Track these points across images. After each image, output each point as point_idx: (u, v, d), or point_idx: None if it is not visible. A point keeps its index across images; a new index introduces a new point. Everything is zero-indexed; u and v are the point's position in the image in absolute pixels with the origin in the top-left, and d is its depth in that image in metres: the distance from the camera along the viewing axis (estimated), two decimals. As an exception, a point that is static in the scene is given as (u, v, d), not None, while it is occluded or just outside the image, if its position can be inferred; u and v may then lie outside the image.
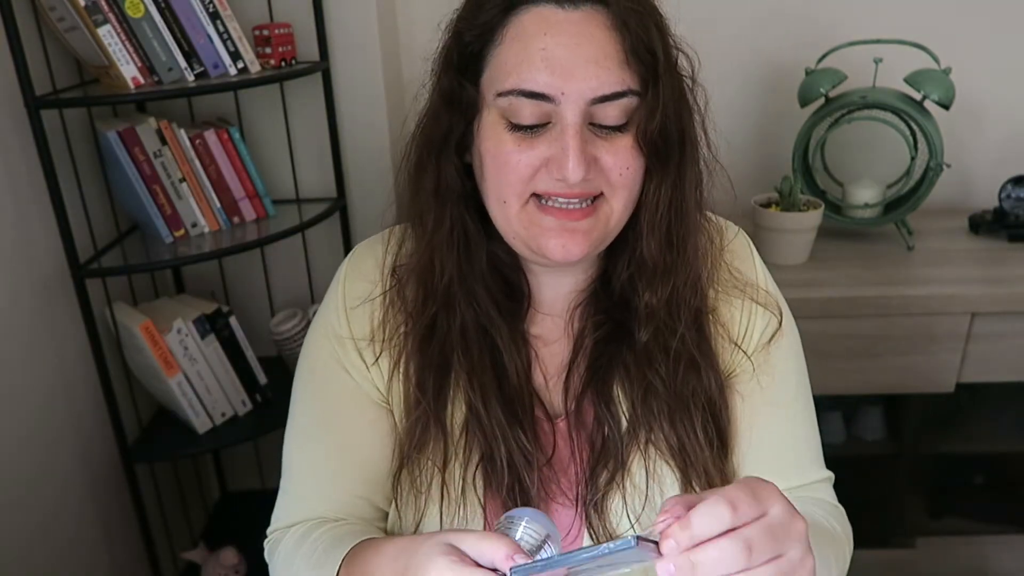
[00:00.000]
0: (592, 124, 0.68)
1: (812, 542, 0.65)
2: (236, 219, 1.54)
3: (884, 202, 1.60)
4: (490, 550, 0.55)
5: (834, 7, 1.69)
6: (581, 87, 0.65)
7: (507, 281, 0.78)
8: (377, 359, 0.77)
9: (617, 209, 0.70)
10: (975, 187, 1.79)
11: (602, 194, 0.70)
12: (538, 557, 0.55)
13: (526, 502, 0.73)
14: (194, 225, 1.48)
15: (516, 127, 0.68)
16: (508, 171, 0.68)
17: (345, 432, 0.79)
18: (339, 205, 1.63)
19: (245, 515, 1.88)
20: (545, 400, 0.78)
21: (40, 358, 1.35)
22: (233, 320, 1.53)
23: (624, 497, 0.74)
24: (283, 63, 1.46)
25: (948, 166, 1.52)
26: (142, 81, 1.31)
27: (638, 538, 0.49)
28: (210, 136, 1.48)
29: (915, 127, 1.54)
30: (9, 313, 1.27)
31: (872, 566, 1.66)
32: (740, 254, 0.82)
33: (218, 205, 1.50)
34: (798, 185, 1.54)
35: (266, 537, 0.83)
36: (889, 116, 1.52)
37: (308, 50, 1.54)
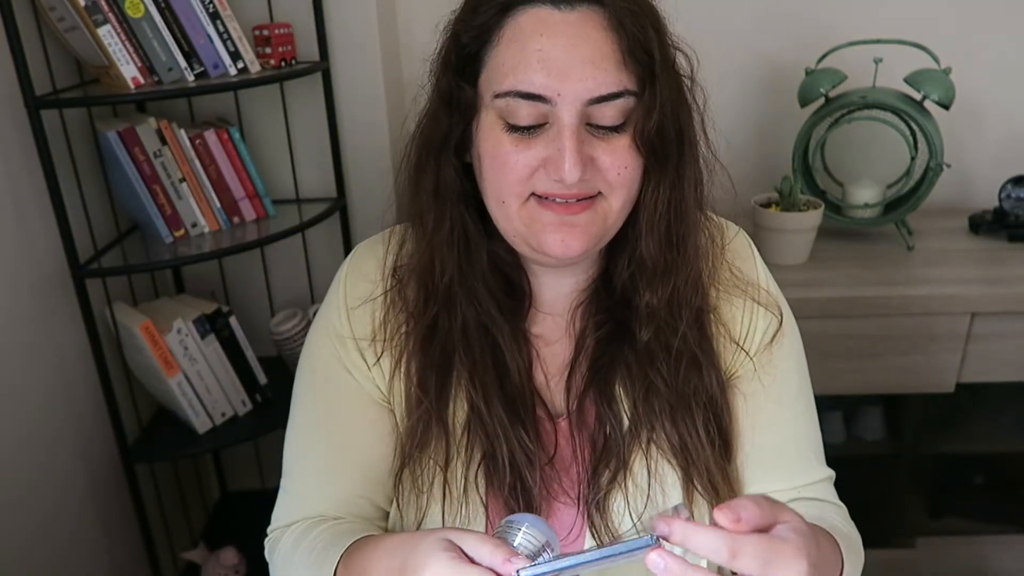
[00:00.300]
0: (589, 124, 0.68)
1: (846, 553, 0.68)
2: (236, 219, 1.54)
3: (884, 202, 1.60)
4: (489, 552, 0.55)
5: (834, 7, 1.69)
6: (577, 88, 0.65)
7: (508, 280, 0.79)
8: (379, 359, 0.78)
9: (615, 207, 0.70)
10: (975, 187, 1.79)
11: (600, 193, 0.70)
12: (537, 562, 0.55)
13: (528, 501, 0.73)
14: (194, 225, 1.48)
15: (514, 128, 0.68)
16: (506, 171, 0.69)
17: (346, 431, 0.79)
18: (339, 205, 1.63)
19: (245, 515, 1.88)
20: (547, 400, 0.78)
21: (40, 358, 1.35)
22: (233, 320, 1.53)
23: (626, 496, 0.74)
24: (283, 63, 1.46)
25: (948, 166, 1.52)
26: (142, 81, 1.31)
27: (656, 538, 0.50)
28: (210, 136, 1.48)
29: (915, 127, 1.54)
30: (9, 313, 1.27)
31: (872, 566, 1.65)
32: (741, 253, 0.82)
33: (218, 205, 1.50)
34: (798, 185, 1.55)
35: (266, 536, 0.83)
36: (889, 116, 1.52)
37: (308, 50, 1.54)
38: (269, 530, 0.83)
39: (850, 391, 1.50)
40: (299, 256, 1.73)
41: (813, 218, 1.53)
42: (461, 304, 0.75)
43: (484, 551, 0.56)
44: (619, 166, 0.69)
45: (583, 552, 0.53)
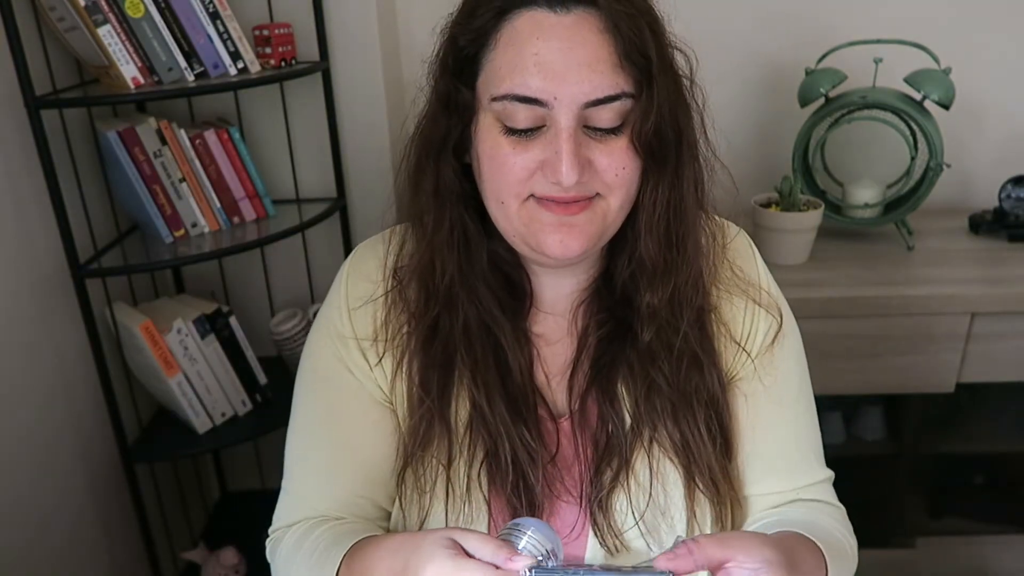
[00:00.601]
0: (587, 127, 0.68)
1: (831, 560, 0.68)
2: (236, 219, 1.54)
3: (884, 202, 1.60)
4: (492, 552, 0.55)
5: (834, 7, 1.69)
6: (574, 91, 0.65)
7: (509, 279, 0.79)
8: (380, 359, 0.78)
9: (614, 206, 0.70)
10: (975, 187, 1.79)
11: (598, 193, 0.70)
12: (547, 566, 0.56)
13: (531, 500, 0.74)
14: (194, 225, 1.48)
15: (511, 131, 0.68)
16: (505, 173, 0.69)
17: (348, 431, 0.79)
18: (339, 205, 1.63)
19: (245, 515, 1.88)
20: (548, 399, 0.78)
21: (40, 358, 1.35)
22: (233, 320, 1.53)
23: (628, 495, 0.75)
24: (283, 63, 1.46)
25: (948, 166, 1.52)
26: (142, 81, 1.31)
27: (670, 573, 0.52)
28: (210, 136, 1.48)
29: (915, 127, 1.54)
30: (9, 313, 1.27)
31: (872, 566, 1.65)
32: (742, 253, 0.82)
33: (218, 205, 1.50)
34: (798, 185, 1.55)
35: (267, 536, 0.83)
36: (889, 116, 1.52)
37: (308, 50, 1.54)
38: (271, 531, 0.83)
39: (850, 391, 1.50)
40: (299, 256, 1.73)
41: (813, 218, 1.53)
42: (462, 303, 0.75)
43: (487, 551, 0.56)
44: (617, 167, 0.69)
45: (592, 568, 0.53)
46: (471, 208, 0.75)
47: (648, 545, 0.74)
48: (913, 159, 1.56)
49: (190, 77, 1.36)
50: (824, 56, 1.57)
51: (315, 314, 0.84)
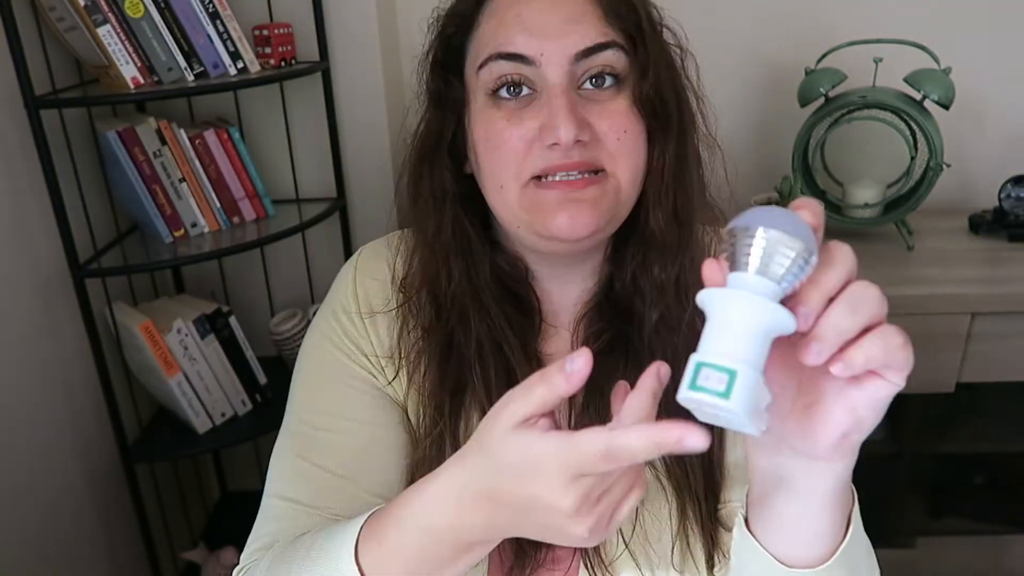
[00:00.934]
0: (581, 89, 0.66)
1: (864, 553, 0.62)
2: (236, 219, 1.54)
3: (884, 202, 1.59)
4: (548, 390, 0.48)
5: (834, 7, 1.69)
6: (560, 45, 0.65)
7: (515, 295, 0.76)
8: (397, 373, 0.75)
9: (624, 180, 0.67)
10: (975, 187, 1.79)
11: (604, 169, 0.67)
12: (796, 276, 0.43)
13: None
14: (194, 225, 1.48)
15: (501, 98, 0.67)
16: (502, 149, 0.67)
17: (352, 444, 0.74)
18: (339, 205, 1.63)
19: (245, 515, 1.86)
20: (555, 419, 0.77)
21: (40, 358, 1.35)
22: (233, 320, 1.53)
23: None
24: (283, 63, 1.46)
25: (948, 166, 1.52)
26: (142, 81, 1.31)
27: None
28: (210, 136, 1.48)
29: (915, 127, 1.54)
30: (9, 313, 1.27)
31: (872, 566, 1.66)
32: None
33: (218, 205, 1.50)
34: (798, 185, 1.54)
35: (236, 566, 0.73)
36: (889, 116, 1.52)
37: (308, 50, 1.54)
38: (243, 556, 0.72)
39: (850, 391, 1.50)
40: (299, 256, 1.73)
41: (813, 218, 1.52)
42: (474, 320, 0.73)
43: (547, 396, 0.48)
44: (618, 130, 0.66)
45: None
46: (471, 212, 0.74)
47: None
48: (913, 159, 1.56)
49: (190, 77, 1.36)
50: (824, 56, 1.57)
51: (315, 314, 0.82)
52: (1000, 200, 1.60)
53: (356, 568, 0.56)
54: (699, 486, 0.71)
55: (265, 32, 1.44)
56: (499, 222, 0.73)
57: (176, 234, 1.46)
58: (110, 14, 1.26)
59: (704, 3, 1.62)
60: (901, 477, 1.74)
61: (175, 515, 1.74)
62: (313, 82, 1.57)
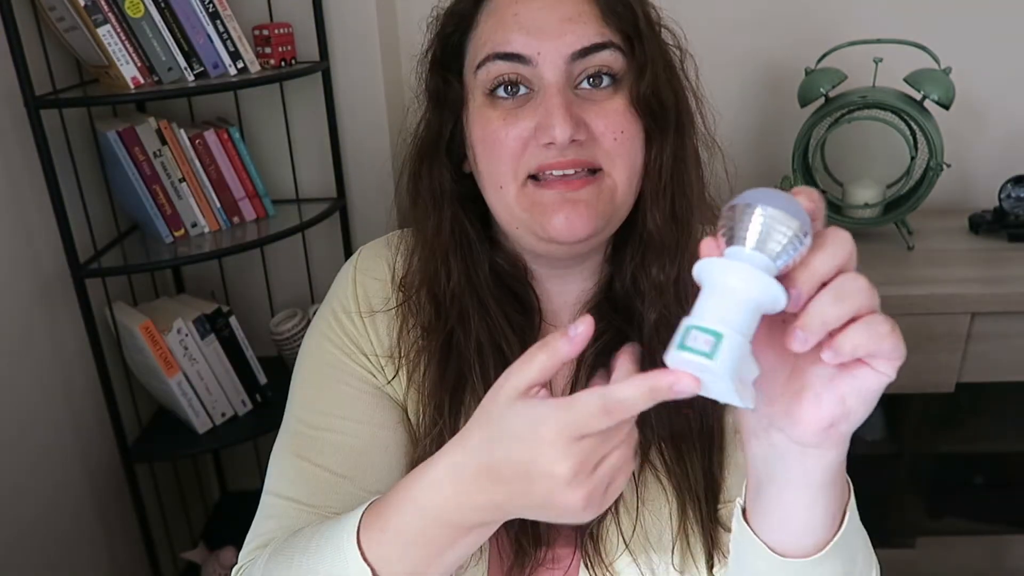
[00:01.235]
0: (578, 88, 0.67)
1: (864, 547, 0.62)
2: (236, 219, 1.54)
3: (884, 202, 1.59)
4: (550, 356, 0.49)
5: (834, 7, 1.69)
6: (558, 44, 0.65)
7: (515, 294, 0.76)
8: (397, 373, 0.75)
9: (620, 181, 0.67)
10: (975, 187, 1.79)
11: (601, 169, 0.67)
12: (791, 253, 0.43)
13: (534, 523, 0.70)
14: (194, 225, 1.48)
15: (498, 98, 0.67)
16: (499, 149, 0.67)
17: (352, 443, 0.74)
18: (339, 205, 1.63)
19: (245, 515, 1.86)
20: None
21: (40, 358, 1.35)
22: (233, 320, 1.53)
23: (617, 521, 0.71)
24: (283, 63, 1.46)
25: (948, 166, 1.52)
26: (142, 81, 1.31)
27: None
28: (210, 136, 1.48)
29: (915, 127, 1.54)
30: (9, 313, 1.27)
31: (872, 566, 1.65)
32: None
33: (218, 205, 1.50)
34: (798, 185, 1.54)
35: (234, 565, 0.72)
36: (889, 116, 1.52)
37: (308, 50, 1.54)
38: (242, 554, 0.72)
39: (850, 391, 1.49)
40: (299, 256, 1.73)
41: (813, 218, 1.52)
42: (474, 319, 0.73)
43: (547, 363, 0.49)
44: (614, 130, 0.66)
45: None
46: (470, 211, 0.74)
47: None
48: (913, 159, 1.56)
49: (190, 77, 1.36)
50: (824, 56, 1.57)
51: (315, 314, 0.82)
52: (1000, 200, 1.60)
53: (359, 553, 0.56)
54: (699, 486, 0.71)
55: (265, 32, 1.44)
56: (498, 222, 0.73)
57: (176, 234, 1.46)
58: (110, 14, 1.26)
59: (704, 3, 1.62)
60: (901, 477, 1.74)
61: (175, 515, 1.74)
62: (313, 82, 1.57)
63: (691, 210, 0.72)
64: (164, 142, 1.43)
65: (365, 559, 0.56)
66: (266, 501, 0.74)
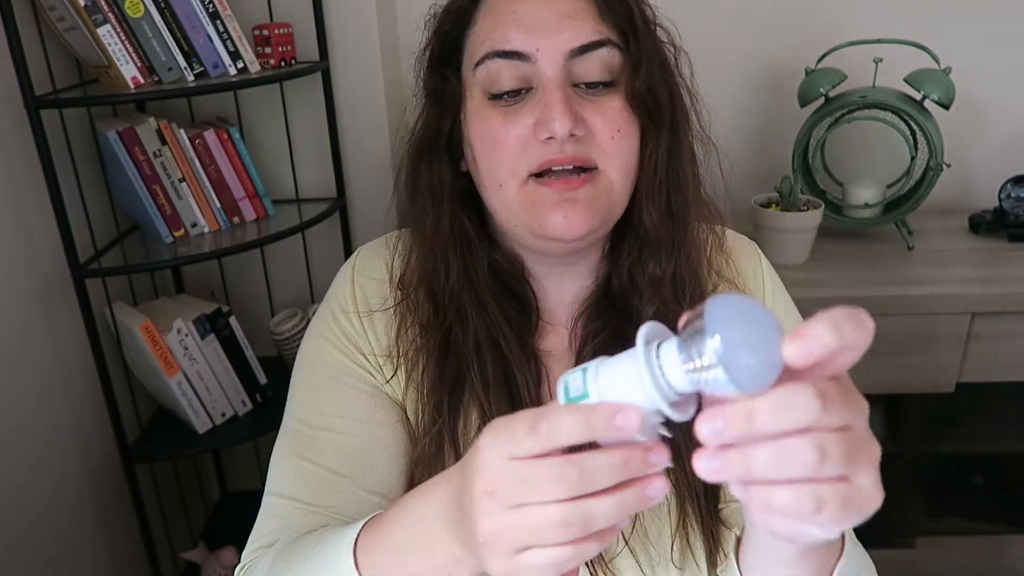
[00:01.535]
0: (576, 86, 0.67)
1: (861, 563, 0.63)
2: (236, 219, 1.54)
3: (884, 202, 1.60)
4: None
5: (834, 7, 1.69)
6: (556, 41, 0.65)
7: (513, 292, 0.76)
8: (395, 372, 0.75)
9: (616, 180, 0.68)
10: (975, 187, 1.79)
11: (597, 167, 0.68)
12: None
13: None
14: (194, 225, 1.48)
15: (497, 97, 0.67)
16: (498, 148, 0.67)
17: (352, 443, 0.74)
18: (339, 205, 1.63)
19: (245, 515, 1.86)
20: None
21: (40, 358, 1.35)
22: (233, 320, 1.53)
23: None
24: (283, 63, 1.46)
25: (948, 166, 1.52)
26: (142, 81, 1.31)
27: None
28: (210, 136, 1.48)
29: (915, 127, 1.54)
30: (9, 313, 1.27)
31: (872, 566, 1.66)
32: (744, 260, 0.80)
33: (218, 205, 1.50)
34: (798, 185, 1.54)
35: (238, 564, 0.73)
36: (889, 116, 1.52)
37: (308, 50, 1.54)
38: (245, 553, 0.72)
39: (850, 391, 1.49)
40: (299, 256, 1.73)
41: (813, 218, 1.53)
42: (472, 317, 0.73)
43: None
44: (611, 129, 0.67)
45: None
46: (469, 208, 0.75)
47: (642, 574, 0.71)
48: (913, 159, 1.56)
49: (190, 77, 1.36)
50: (824, 56, 1.57)
51: (315, 314, 0.82)
52: (1000, 200, 1.60)
53: (355, 569, 0.56)
54: (698, 482, 0.71)
55: (265, 32, 1.44)
56: (496, 219, 0.73)
57: (176, 234, 1.46)
58: (110, 14, 1.26)
59: (705, 3, 1.63)
60: (901, 477, 1.74)
61: (175, 515, 1.74)
62: (313, 82, 1.57)
63: (686, 206, 0.72)
64: (164, 142, 1.43)
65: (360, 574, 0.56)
66: (268, 501, 0.74)
